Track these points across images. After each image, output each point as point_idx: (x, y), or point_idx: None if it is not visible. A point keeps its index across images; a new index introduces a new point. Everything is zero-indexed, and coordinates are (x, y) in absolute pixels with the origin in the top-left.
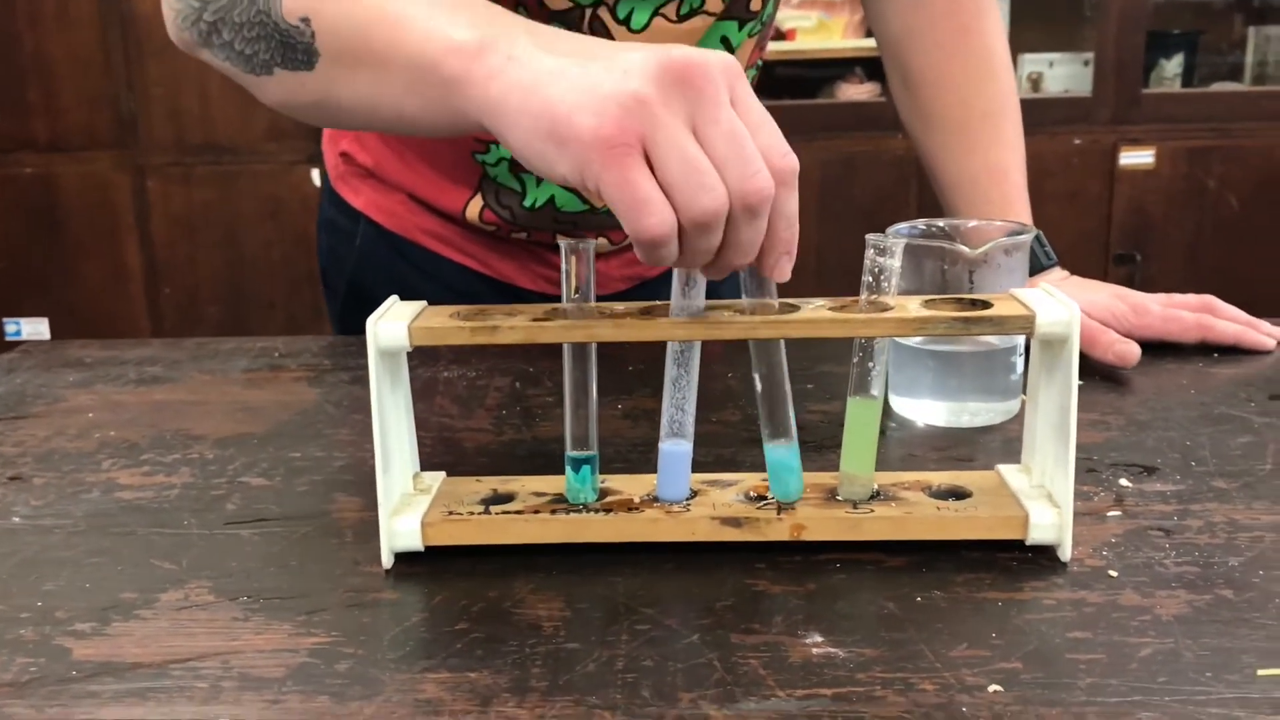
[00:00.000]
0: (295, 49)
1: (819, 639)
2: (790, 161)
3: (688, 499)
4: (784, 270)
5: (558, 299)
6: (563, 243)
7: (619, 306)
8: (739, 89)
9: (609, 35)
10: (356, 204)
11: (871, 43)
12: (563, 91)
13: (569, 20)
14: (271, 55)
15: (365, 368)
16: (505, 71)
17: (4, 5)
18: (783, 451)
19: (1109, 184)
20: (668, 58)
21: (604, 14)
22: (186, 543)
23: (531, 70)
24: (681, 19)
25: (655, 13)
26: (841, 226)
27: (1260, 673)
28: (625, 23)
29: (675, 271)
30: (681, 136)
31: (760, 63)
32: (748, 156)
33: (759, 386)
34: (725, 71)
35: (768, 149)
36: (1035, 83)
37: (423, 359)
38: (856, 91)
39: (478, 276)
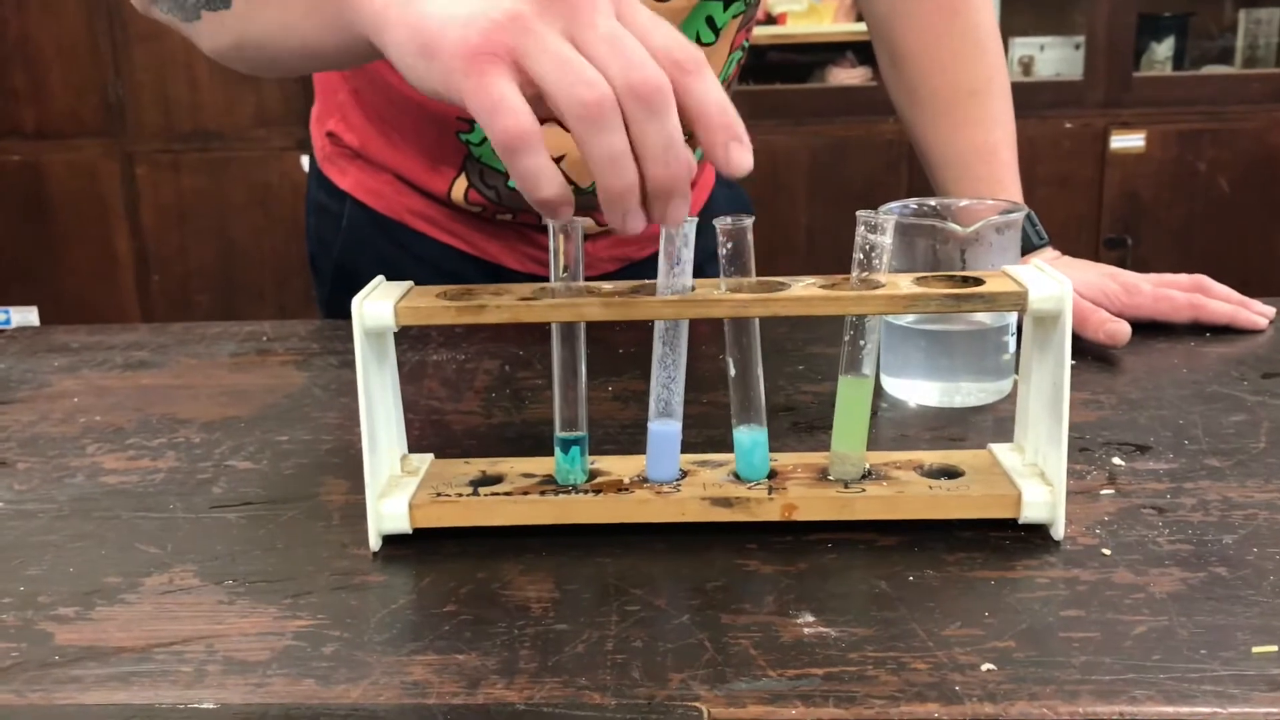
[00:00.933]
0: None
1: (810, 619)
2: (691, 51)
3: (678, 479)
4: (739, 159)
5: (545, 279)
6: (550, 222)
7: (607, 286)
8: (626, 6)
9: None
10: (343, 185)
11: (862, 27)
12: (433, 5)
13: None
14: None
15: (353, 351)
16: None
17: None
18: (753, 434)
19: (1100, 167)
20: None
21: None
22: (172, 526)
23: None
24: None
25: None
26: (832, 210)
27: (1255, 650)
28: None
29: (661, 251)
30: (554, 42)
31: (746, 44)
32: (629, 52)
33: (731, 371)
34: None
35: (664, 46)
36: (1026, 66)
37: (412, 342)
38: (847, 76)
39: (464, 257)
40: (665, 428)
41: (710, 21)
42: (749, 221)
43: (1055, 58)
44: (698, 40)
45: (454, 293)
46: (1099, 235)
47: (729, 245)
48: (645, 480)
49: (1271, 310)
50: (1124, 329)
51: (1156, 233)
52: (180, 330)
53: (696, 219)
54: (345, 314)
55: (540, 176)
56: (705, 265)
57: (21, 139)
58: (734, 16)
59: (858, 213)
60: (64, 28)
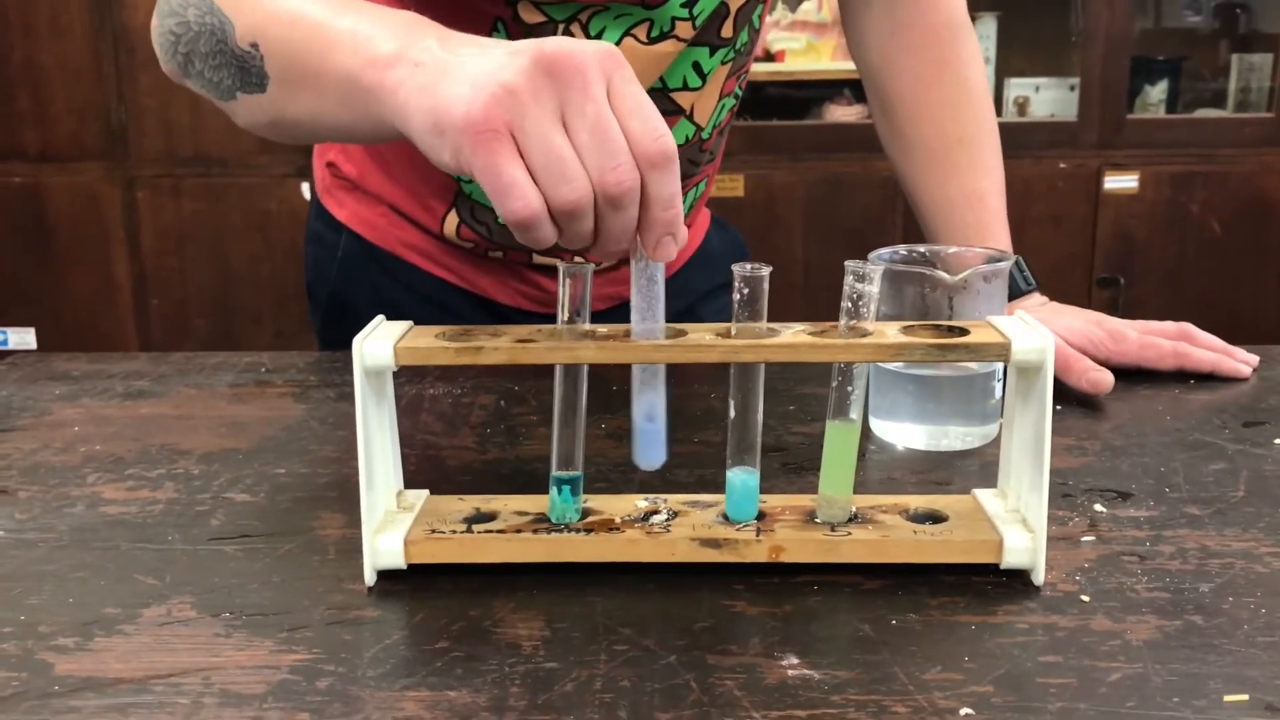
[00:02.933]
0: (250, 73)
1: (794, 660)
2: (662, 145)
3: (667, 520)
4: (666, 250)
5: (536, 315)
6: (560, 266)
7: (603, 329)
8: (617, 77)
9: None
10: (340, 216)
11: None
12: (447, 86)
13: (543, 34)
14: (233, 80)
15: (350, 384)
16: (412, 77)
17: None
18: (744, 476)
19: (1093, 207)
20: (542, 50)
21: (576, 30)
22: (170, 558)
23: (431, 72)
24: (652, 41)
25: (626, 33)
26: (828, 246)
27: (1226, 699)
28: (596, 40)
29: (632, 299)
30: (546, 125)
31: (739, 91)
32: (610, 148)
33: (732, 413)
34: (601, 61)
35: (639, 135)
36: (1021, 107)
37: (409, 376)
38: (844, 113)
39: (457, 291)
40: (650, 425)
41: (697, 67)
42: (766, 271)
43: (1050, 99)
44: (684, 85)
45: (452, 333)
46: (1092, 274)
47: (745, 291)
48: (637, 520)
49: (1255, 359)
50: (1107, 378)
51: (1148, 273)
52: (180, 360)
53: (662, 265)
54: (340, 343)
55: (544, 241)
56: (698, 306)
57: (24, 161)
58: (722, 63)
59: (846, 263)
60: (69, 52)
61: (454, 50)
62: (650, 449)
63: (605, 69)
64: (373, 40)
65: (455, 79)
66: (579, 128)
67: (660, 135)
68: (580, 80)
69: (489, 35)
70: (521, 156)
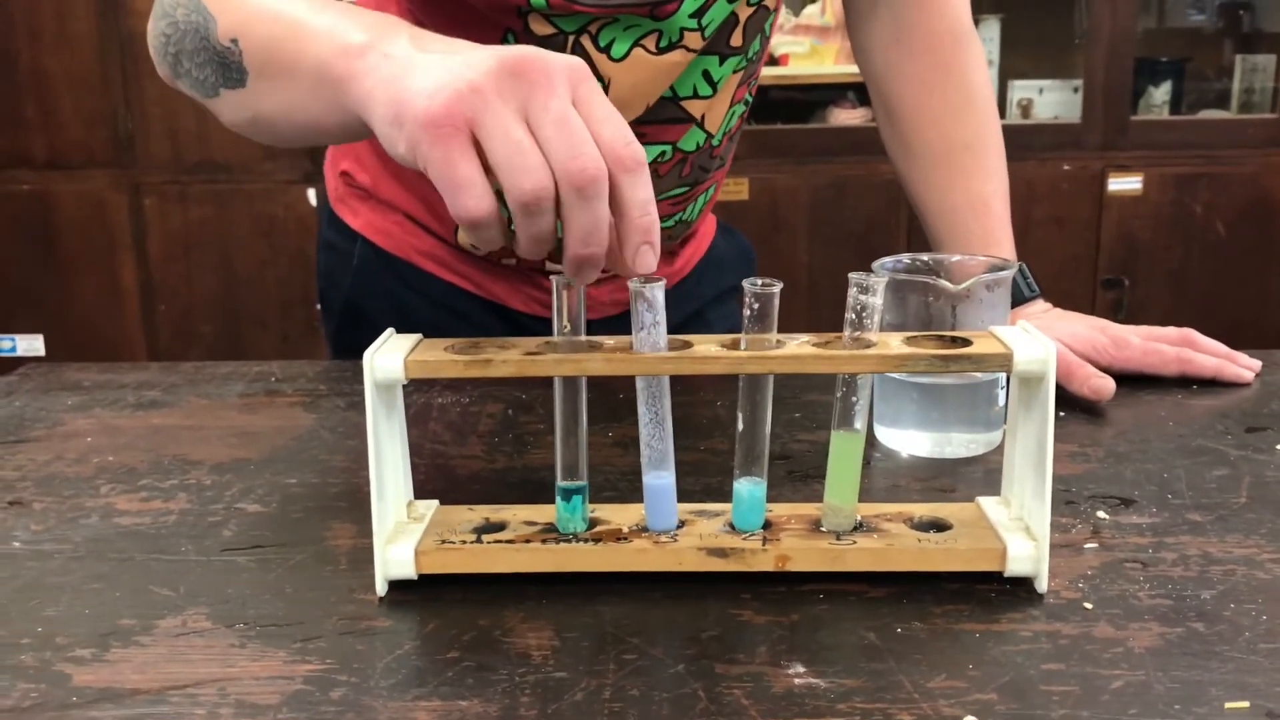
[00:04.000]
0: (230, 68)
1: (801, 669)
2: (634, 150)
3: (675, 529)
4: (646, 260)
5: (549, 321)
6: (555, 279)
7: (609, 341)
8: (583, 88)
9: (591, 63)
10: (354, 225)
11: None
12: (412, 80)
13: (552, 46)
14: (216, 77)
15: (360, 393)
16: (379, 68)
17: (3, 21)
18: (751, 487)
19: (1097, 209)
20: (509, 53)
21: (586, 42)
22: (184, 569)
23: (398, 65)
24: (661, 52)
25: (635, 44)
26: (832, 250)
27: (1227, 706)
28: (606, 50)
29: (632, 312)
30: (508, 120)
31: (749, 98)
32: (574, 140)
33: (740, 424)
34: (568, 70)
35: (609, 139)
36: (1025, 109)
37: (417, 386)
38: (848, 116)
39: (471, 298)
40: (659, 481)
41: (707, 75)
42: (777, 287)
43: (1054, 101)
44: (694, 94)
45: (461, 346)
46: (1096, 276)
47: (755, 306)
48: (644, 530)
49: (1257, 364)
50: (1108, 385)
51: (1153, 274)
52: (190, 369)
53: (663, 281)
54: (352, 350)
55: (492, 243)
56: (706, 311)
57: (31, 169)
58: (734, 71)
59: (850, 275)
60: (76, 60)
61: (424, 46)
62: (663, 505)
63: (571, 78)
64: (346, 33)
65: (421, 73)
66: (542, 123)
67: (630, 141)
68: (545, 81)
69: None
70: (482, 156)
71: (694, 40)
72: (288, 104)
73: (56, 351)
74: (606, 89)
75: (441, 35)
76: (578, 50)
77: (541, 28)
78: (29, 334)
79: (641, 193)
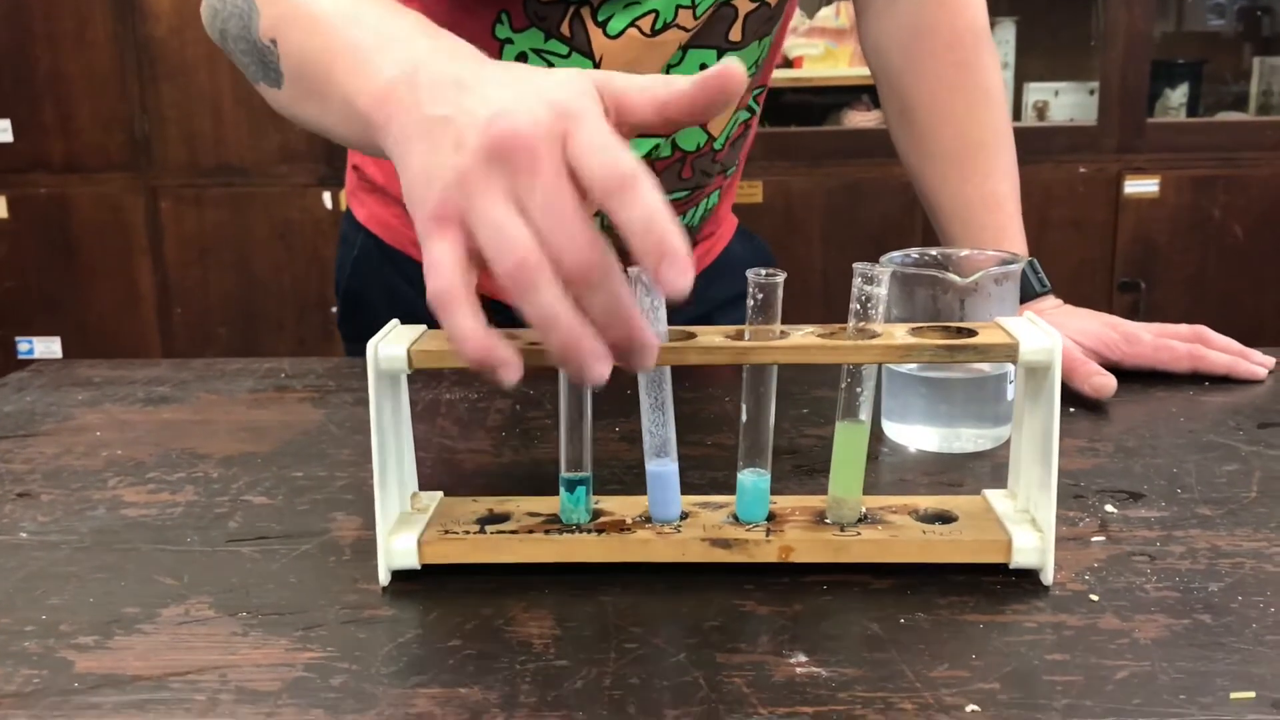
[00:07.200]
0: (269, 67)
1: (803, 659)
2: (623, 171)
3: (679, 520)
4: (671, 281)
5: None
6: None
7: None
8: (575, 131)
9: (587, 38)
10: (359, 216)
11: None
12: (414, 161)
13: (552, 16)
14: (257, 70)
15: (368, 389)
16: (392, 120)
17: (21, 26)
18: (755, 478)
19: (1114, 212)
20: (490, 131)
21: (585, 14)
22: (188, 559)
23: (406, 128)
24: (655, 33)
25: (631, 24)
26: (847, 253)
27: (1233, 696)
28: (602, 27)
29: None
30: (494, 210)
31: (754, 105)
32: (565, 228)
33: (744, 416)
34: (553, 126)
35: (599, 173)
36: (1041, 111)
37: (425, 381)
38: (863, 119)
39: None
40: (662, 468)
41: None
42: (781, 277)
43: (1070, 103)
44: None
45: None
46: (1113, 279)
47: (759, 296)
48: (648, 520)
49: (1271, 360)
50: (1110, 382)
51: (1170, 278)
52: (200, 366)
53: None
54: (354, 338)
55: (460, 334)
56: (715, 314)
57: (49, 172)
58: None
59: (854, 265)
60: (93, 64)
61: (435, 96)
62: (666, 493)
63: (559, 130)
64: (371, 63)
65: (419, 154)
66: (530, 208)
67: (620, 159)
68: (528, 160)
69: (494, 24)
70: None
71: (686, 19)
72: (321, 123)
73: (73, 354)
74: (598, 66)
75: (460, 47)
76: (576, 22)
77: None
78: (46, 336)
79: (638, 210)
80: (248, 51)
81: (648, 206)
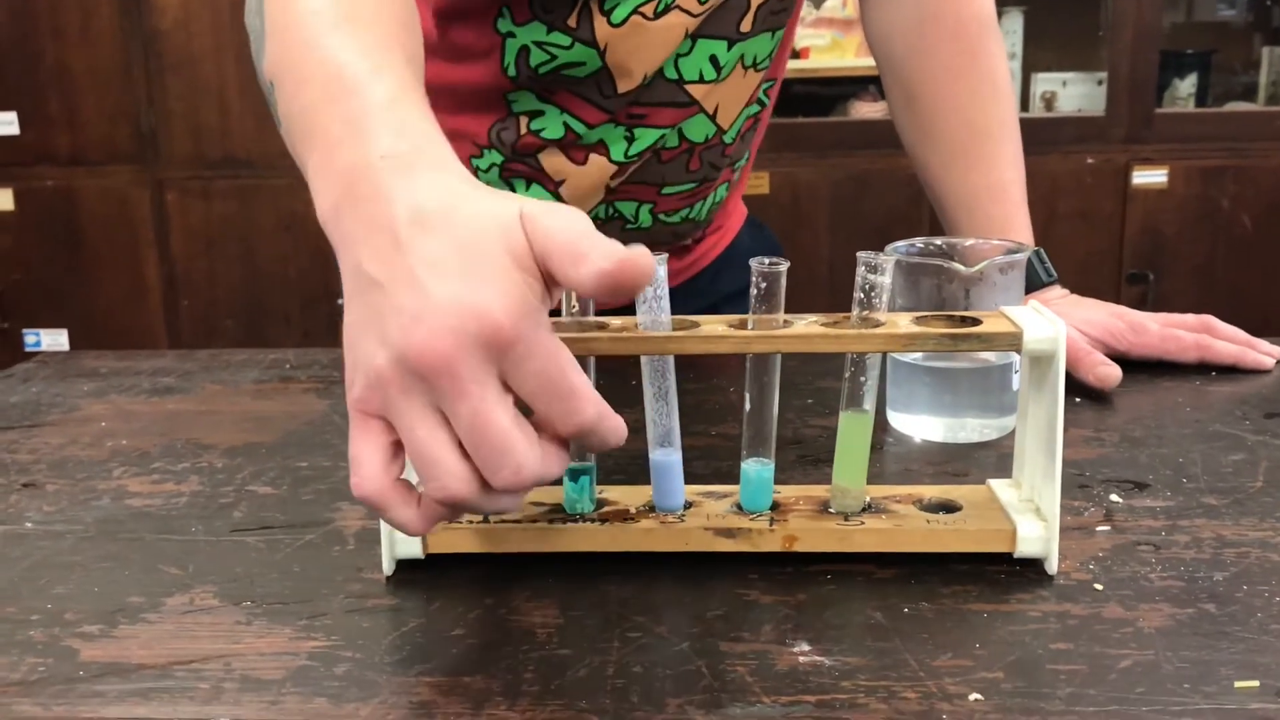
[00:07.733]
0: (272, 105)
1: (806, 648)
2: (563, 382)
3: (683, 510)
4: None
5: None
6: None
7: (616, 321)
8: (510, 360)
9: (592, 28)
10: None
11: None
12: (350, 318)
13: (560, 8)
14: (267, 96)
15: None
16: (337, 247)
17: (27, 19)
18: (759, 467)
19: (1122, 203)
20: (410, 340)
21: (593, 5)
22: (193, 549)
23: (345, 268)
24: (658, 16)
25: (634, 10)
26: (854, 244)
27: (1237, 685)
28: (607, 15)
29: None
30: (415, 427)
31: (764, 99)
32: (494, 450)
33: (748, 405)
34: (477, 351)
35: (542, 392)
36: (1049, 102)
37: None
38: (870, 109)
39: None
40: (665, 457)
41: (714, 60)
42: (784, 266)
43: (1078, 93)
44: (700, 78)
45: None
46: (1121, 270)
47: (763, 285)
48: (651, 510)
49: (1278, 351)
50: (1114, 372)
51: (1178, 269)
52: (206, 357)
53: (666, 256)
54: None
55: (399, 527)
56: (721, 306)
57: (55, 165)
58: (743, 66)
59: (858, 254)
60: (99, 56)
61: (375, 245)
62: (669, 483)
63: (486, 357)
64: (327, 166)
65: (352, 324)
66: (457, 425)
67: (557, 379)
68: (448, 382)
69: (496, 18)
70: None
71: (690, 3)
72: (307, 177)
73: (80, 346)
74: (603, 55)
75: (422, 181)
76: (583, 11)
77: None
78: (53, 329)
79: (580, 423)
80: (259, 75)
81: (588, 419)
